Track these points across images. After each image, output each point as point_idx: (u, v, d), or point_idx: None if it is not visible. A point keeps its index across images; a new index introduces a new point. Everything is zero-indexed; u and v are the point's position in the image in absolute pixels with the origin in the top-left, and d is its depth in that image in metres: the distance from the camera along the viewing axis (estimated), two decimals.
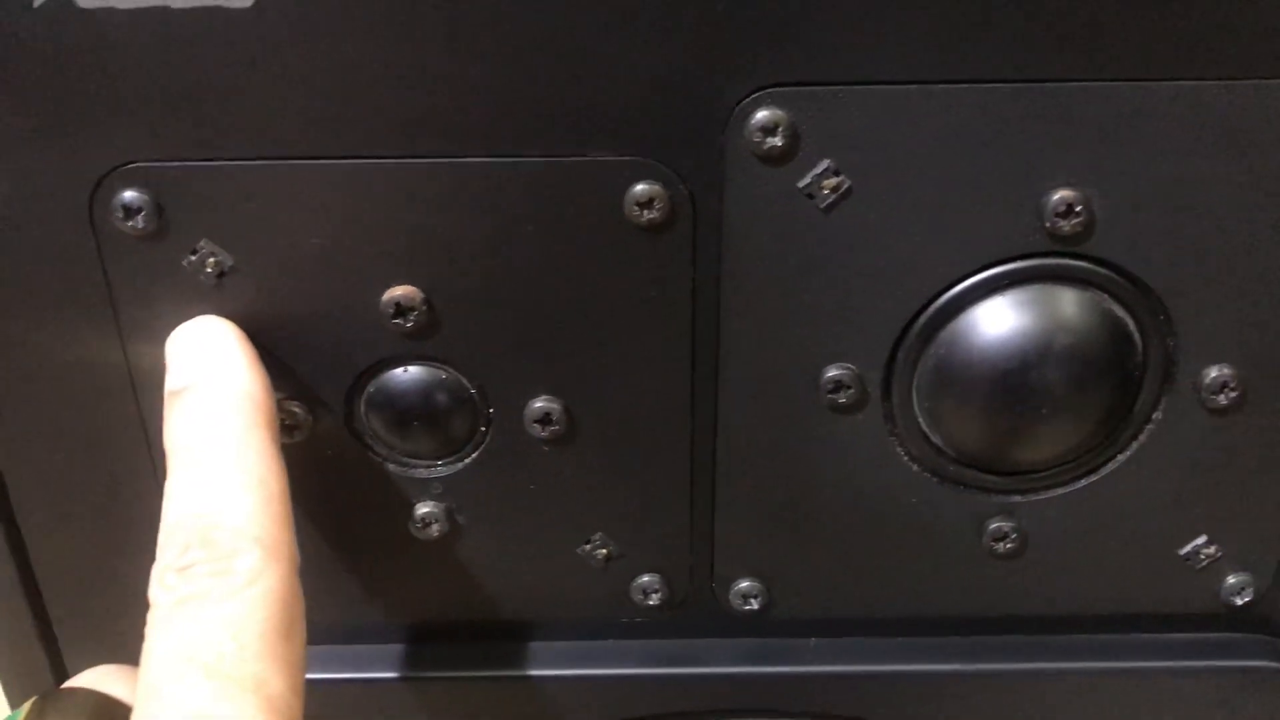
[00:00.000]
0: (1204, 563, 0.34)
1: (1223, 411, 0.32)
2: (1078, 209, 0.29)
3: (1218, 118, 0.28)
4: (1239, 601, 0.35)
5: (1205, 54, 0.27)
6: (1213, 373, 0.31)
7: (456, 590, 0.35)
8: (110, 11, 0.26)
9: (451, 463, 0.33)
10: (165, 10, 0.26)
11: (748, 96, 0.27)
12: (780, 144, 0.28)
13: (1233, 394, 0.31)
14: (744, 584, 0.35)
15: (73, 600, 0.35)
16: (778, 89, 0.27)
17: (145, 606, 0.26)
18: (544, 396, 0.31)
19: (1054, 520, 0.34)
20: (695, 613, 0.35)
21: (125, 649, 0.31)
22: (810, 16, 0.26)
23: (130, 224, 0.28)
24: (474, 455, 0.32)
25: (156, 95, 0.27)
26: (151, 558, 0.26)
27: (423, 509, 0.33)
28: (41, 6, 0.26)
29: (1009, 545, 0.34)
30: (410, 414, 0.31)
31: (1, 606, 0.34)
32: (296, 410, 0.31)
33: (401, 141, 0.28)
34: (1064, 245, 0.29)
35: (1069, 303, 0.30)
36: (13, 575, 0.34)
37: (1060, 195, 0.28)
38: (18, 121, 0.27)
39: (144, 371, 0.30)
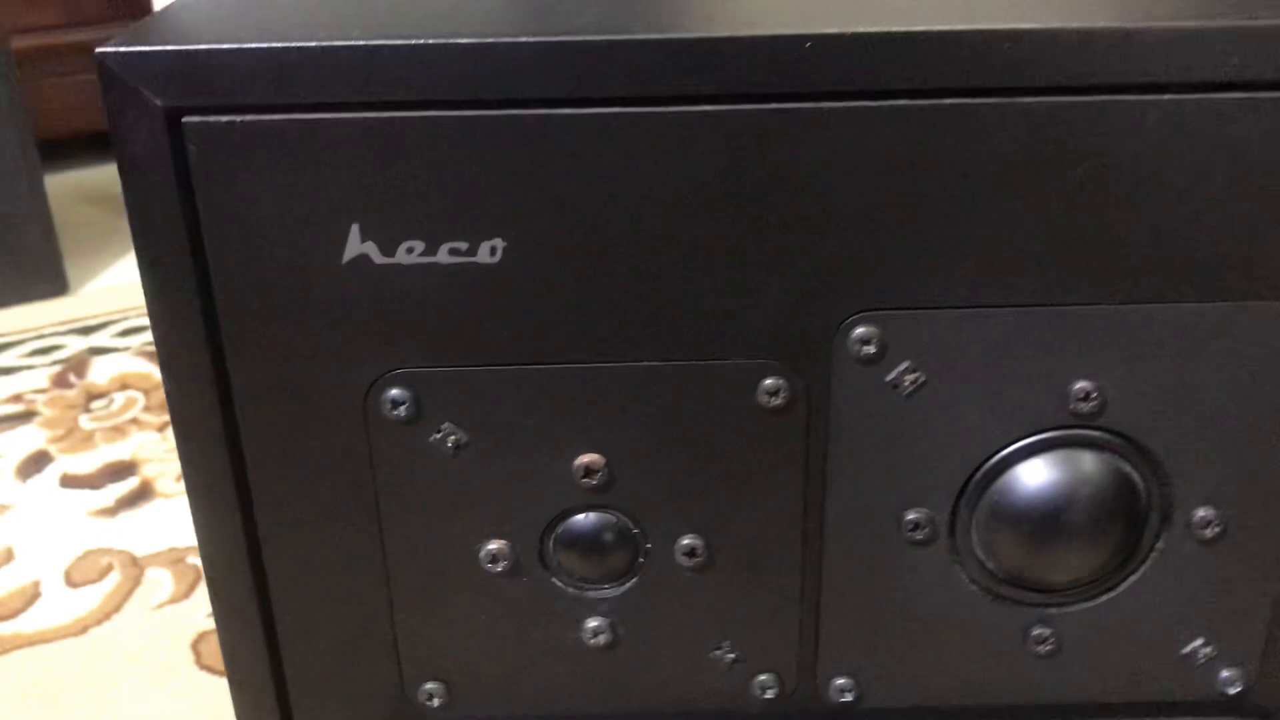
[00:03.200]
0: (1202, 660, 0.44)
1: (1210, 542, 0.41)
2: (1093, 395, 0.39)
3: (1200, 328, 0.38)
4: (1231, 691, 0.44)
5: (1185, 282, 0.38)
6: (1200, 512, 0.41)
7: (612, 690, 0.44)
8: (394, 266, 0.37)
9: (616, 586, 0.42)
10: (434, 265, 0.37)
11: (849, 317, 0.38)
12: (873, 351, 0.38)
13: (1217, 529, 0.41)
14: (840, 680, 0.44)
15: None
16: (870, 312, 0.38)
17: None
18: (690, 534, 0.41)
19: (1083, 627, 0.43)
20: (802, 705, 0.45)
21: None
22: (893, 264, 0.37)
23: (394, 413, 0.39)
24: (634, 581, 0.42)
25: (425, 321, 0.37)
26: None
27: (592, 623, 0.43)
28: (348, 262, 0.37)
29: (1048, 648, 0.43)
30: (588, 550, 0.41)
31: None
32: (503, 546, 0.41)
33: (593, 351, 0.38)
34: (1084, 420, 0.39)
35: (1089, 463, 0.40)
36: None
37: (1079, 385, 0.39)
38: (319, 339, 0.37)
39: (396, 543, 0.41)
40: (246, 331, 0.38)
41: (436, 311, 0.37)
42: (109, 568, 0.72)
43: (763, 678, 0.44)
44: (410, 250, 0.37)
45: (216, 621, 0.43)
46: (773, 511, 0.41)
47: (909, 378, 0.39)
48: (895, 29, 0.34)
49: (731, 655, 0.43)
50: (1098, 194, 0.36)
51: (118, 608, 0.68)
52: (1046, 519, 0.40)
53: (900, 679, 0.44)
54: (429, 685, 0.44)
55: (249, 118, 0.35)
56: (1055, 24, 0.35)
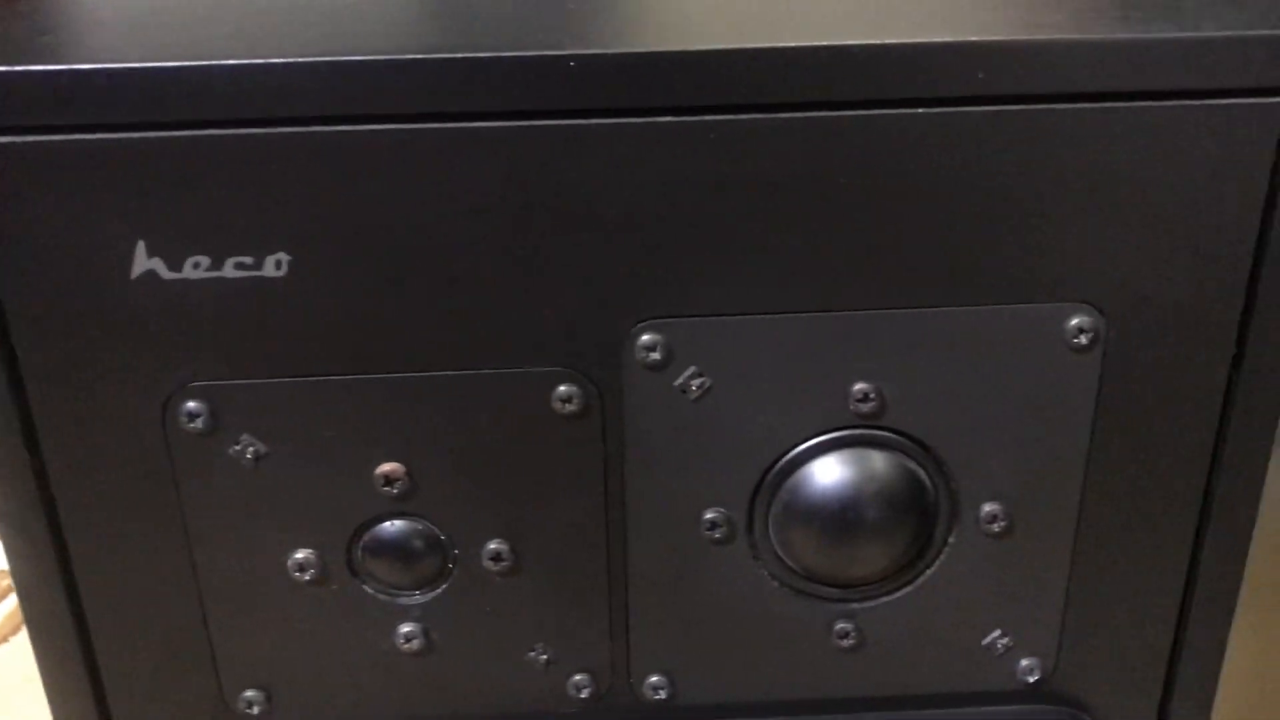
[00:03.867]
0: (1001, 651, 0.45)
1: (998, 536, 0.43)
2: (871, 396, 0.40)
3: (973, 330, 0.40)
4: (1031, 679, 0.46)
5: (957, 287, 0.39)
6: (987, 508, 0.43)
7: (430, 694, 0.45)
8: (182, 281, 0.38)
9: (426, 592, 0.43)
10: (220, 279, 0.38)
11: (636, 326, 0.39)
12: (659, 357, 0.39)
13: (1003, 523, 0.43)
14: (654, 678, 0.45)
15: None
16: (656, 320, 0.39)
17: None
18: (496, 540, 0.42)
19: (884, 621, 0.44)
20: (617, 703, 0.46)
21: None
22: (676, 274, 0.38)
23: (192, 425, 0.39)
24: (444, 586, 0.43)
25: (215, 335, 0.38)
26: None
27: (405, 629, 0.43)
28: (137, 278, 0.37)
29: (851, 641, 0.44)
30: (395, 557, 0.42)
31: None
32: (310, 555, 0.42)
33: (387, 362, 0.39)
34: (866, 421, 0.41)
35: (875, 461, 0.41)
36: None
37: (859, 386, 0.40)
38: (113, 355, 0.38)
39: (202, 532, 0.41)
40: (42, 351, 0.38)
41: (226, 325, 0.38)
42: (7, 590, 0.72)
43: (577, 678, 0.45)
44: (196, 265, 0.37)
45: (31, 639, 0.43)
46: (575, 515, 0.42)
47: (695, 382, 0.40)
48: (658, 49, 0.36)
49: (545, 657, 0.44)
50: (871, 204, 0.38)
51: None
52: (835, 516, 0.42)
53: (711, 675, 0.45)
54: (248, 693, 0.44)
55: (31, 139, 0.35)
56: (818, 41, 0.36)
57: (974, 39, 0.36)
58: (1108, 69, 0.37)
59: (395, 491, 0.41)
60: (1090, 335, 0.40)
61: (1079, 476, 0.42)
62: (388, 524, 0.42)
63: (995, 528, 0.43)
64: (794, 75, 0.36)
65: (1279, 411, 0.42)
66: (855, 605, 0.44)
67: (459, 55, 0.35)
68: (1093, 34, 0.37)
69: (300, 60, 0.35)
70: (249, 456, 0.40)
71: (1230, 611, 0.45)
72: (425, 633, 0.44)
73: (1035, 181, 0.38)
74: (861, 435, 0.41)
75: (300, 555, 0.42)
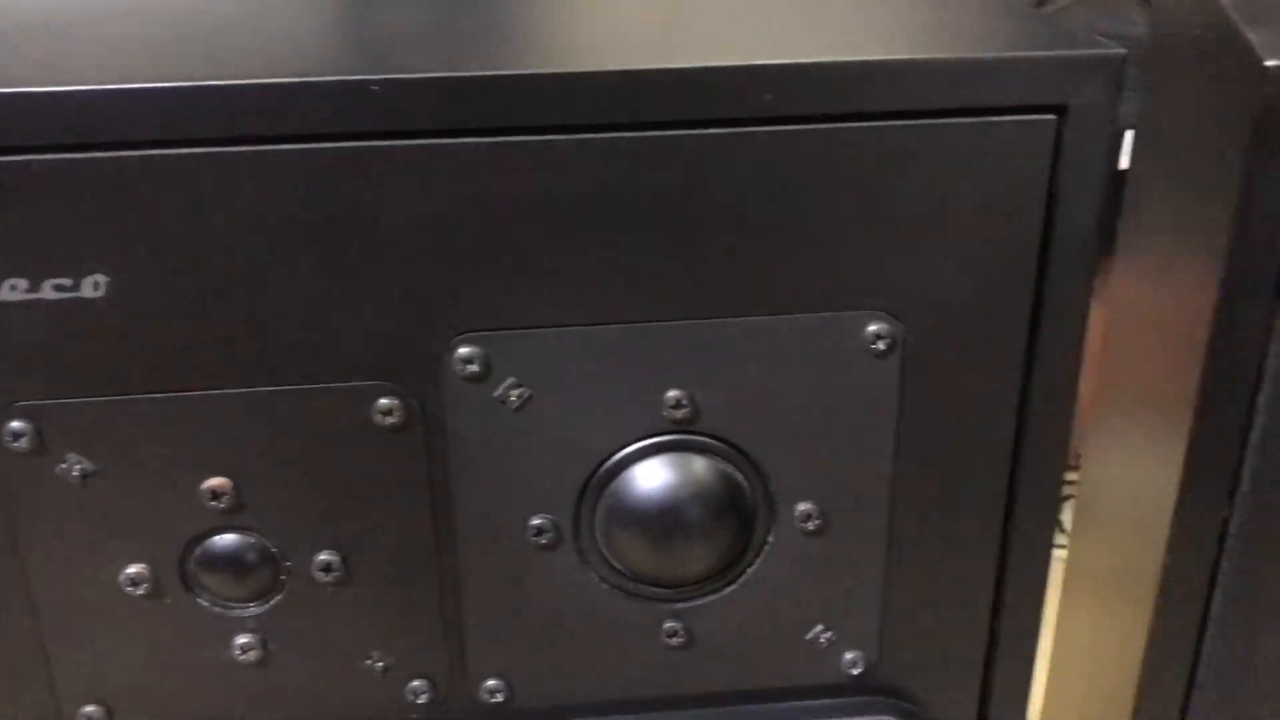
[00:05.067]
0: (824, 645, 0.47)
1: (815, 534, 0.45)
2: (684, 402, 0.42)
3: (780, 338, 0.42)
4: (854, 672, 0.48)
5: (762, 296, 0.41)
6: (802, 507, 0.44)
7: (269, 704, 0.46)
8: (2, 304, 0.38)
9: (261, 604, 0.44)
10: (38, 300, 0.38)
11: (453, 339, 0.41)
12: (478, 370, 0.41)
13: (818, 522, 0.45)
14: (491, 682, 0.46)
15: None
16: (473, 333, 0.41)
17: None
18: (326, 551, 0.43)
19: (711, 620, 0.46)
20: (456, 708, 0.47)
21: None
22: (491, 288, 0.40)
23: (16, 445, 0.40)
24: (278, 598, 0.44)
25: (37, 356, 0.39)
26: None
27: (241, 640, 0.44)
28: None
29: (679, 640, 0.46)
30: (227, 570, 0.43)
31: None
32: (143, 570, 0.43)
33: (209, 379, 0.40)
34: (680, 426, 0.43)
35: (692, 465, 0.43)
36: None
37: (671, 394, 0.42)
38: None
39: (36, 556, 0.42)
40: None
41: (48, 345, 0.39)
42: None
43: (415, 683, 0.46)
44: (14, 287, 0.38)
45: None
46: (403, 525, 0.43)
47: (515, 393, 0.41)
48: (463, 73, 0.37)
49: (382, 664, 0.45)
50: (675, 220, 0.40)
51: None
52: (656, 518, 0.43)
53: (548, 678, 0.47)
54: (88, 709, 0.45)
55: None
56: (614, 65, 0.38)
57: (761, 62, 0.38)
58: (890, 89, 0.39)
59: (223, 506, 0.42)
60: (888, 341, 0.42)
61: (887, 476, 0.44)
62: (218, 538, 0.43)
63: (810, 526, 0.45)
64: (591, 98, 0.38)
65: (1072, 409, 0.44)
66: (682, 605, 0.46)
67: (265, 81, 0.37)
68: (875, 56, 0.39)
69: (107, 87, 0.36)
70: (76, 475, 0.41)
71: (1040, 602, 0.47)
72: (262, 643, 0.45)
73: (829, 196, 0.40)
74: (677, 441, 0.43)
75: (133, 570, 0.43)
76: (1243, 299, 0.40)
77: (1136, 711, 0.48)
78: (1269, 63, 0.37)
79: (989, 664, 0.49)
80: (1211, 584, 0.45)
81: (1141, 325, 0.55)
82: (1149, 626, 0.47)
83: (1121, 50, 0.39)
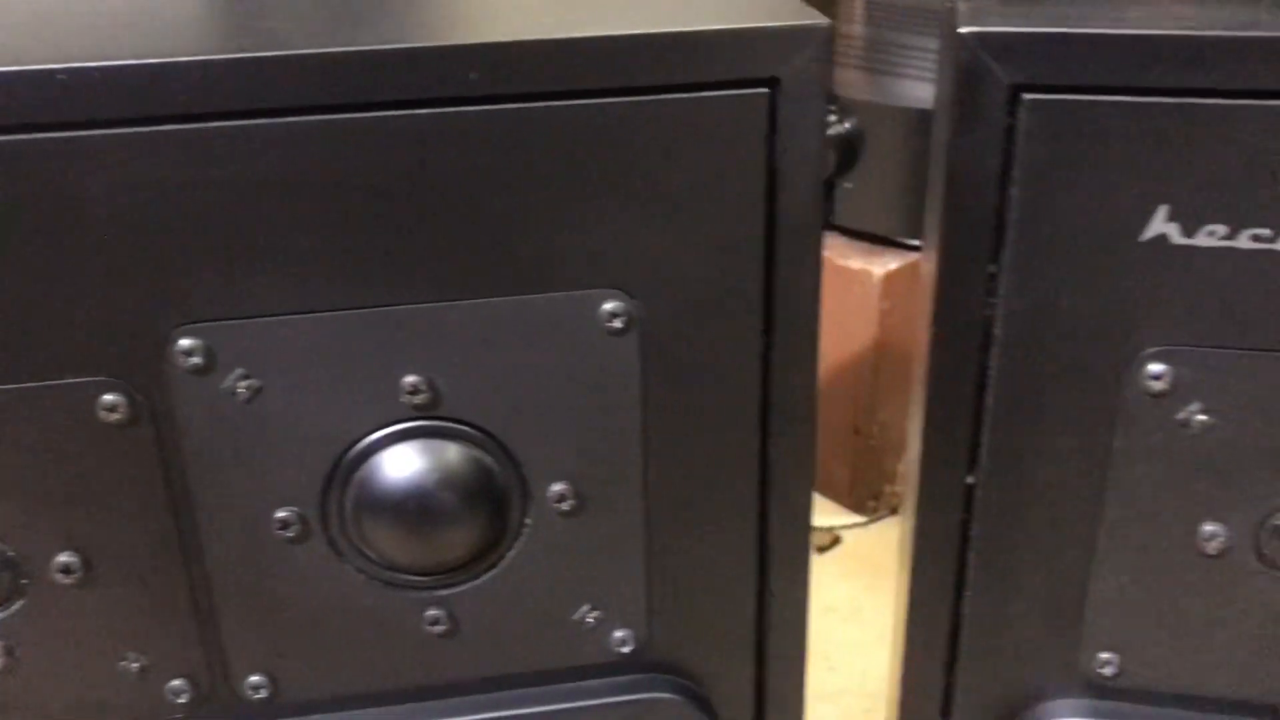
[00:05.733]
0: (592, 624, 0.47)
1: (571, 514, 0.45)
2: (422, 388, 0.42)
3: (512, 320, 0.42)
4: (625, 650, 0.48)
5: (496, 278, 0.41)
6: (555, 488, 0.44)
7: (24, 712, 0.45)
8: None
9: (3, 610, 0.43)
10: None
11: (174, 330, 0.40)
12: (201, 362, 0.40)
13: (573, 502, 0.45)
14: (254, 678, 0.46)
15: None
16: (194, 324, 0.40)
17: None
18: (65, 553, 0.42)
19: (475, 605, 0.46)
20: (221, 706, 0.46)
21: None
22: (210, 277, 0.39)
23: None
24: (21, 603, 0.43)
25: None
26: None
27: None
28: None
29: (443, 628, 0.46)
30: None
31: None
32: None
33: None
34: (423, 411, 0.42)
35: (438, 450, 0.43)
36: None
37: (408, 379, 0.42)
38: None
39: None
40: None
41: None
42: None
43: (175, 683, 0.45)
44: None
45: None
46: (143, 523, 0.42)
47: (243, 385, 0.41)
48: (153, 60, 0.37)
49: (138, 665, 0.45)
50: (402, 202, 0.39)
51: None
52: (403, 506, 0.43)
53: (312, 671, 0.46)
54: None
55: None
56: (309, 48, 0.37)
57: (463, 41, 0.38)
58: (599, 66, 0.39)
59: None
60: (624, 319, 0.42)
61: (639, 453, 0.44)
62: None
63: (566, 507, 0.45)
64: (300, 80, 0.37)
65: (814, 378, 0.45)
66: (444, 592, 0.46)
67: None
68: (581, 33, 0.39)
69: None
70: None
71: (804, 569, 0.48)
72: (9, 650, 0.44)
73: (551, 175, 0.40)
74: (421, 427, 0.43)
75: None
76: (959, 264, 0.41)
77: (905, 673, 0.49)
78: (962, 30, 0.38)
79: (761, 634, 0.49)
80: (964, 547, 0.46)
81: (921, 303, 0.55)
82: (908, 590, 0.47)
83: (827, 20, 0.39)
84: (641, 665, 0.49)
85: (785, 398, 0.44)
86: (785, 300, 0.43)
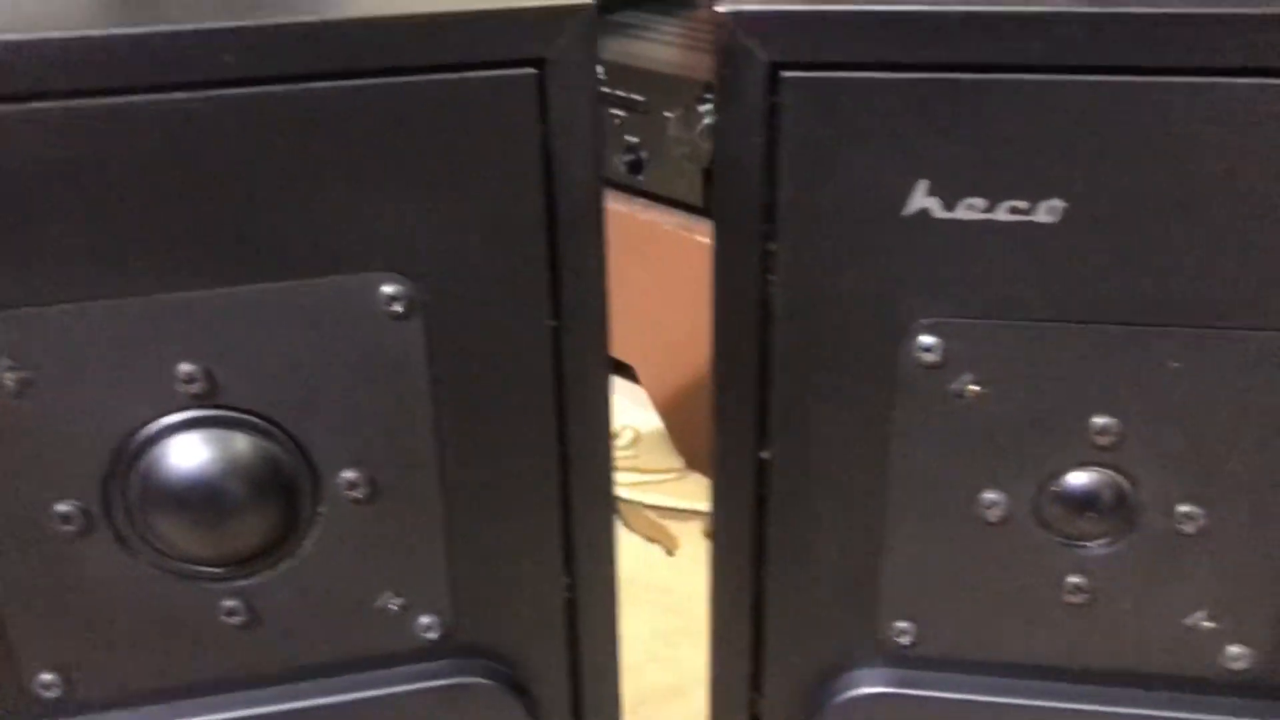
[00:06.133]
0: (396, 611, 0.47)
1: (365, 502, 0.45)
2: (197, 376, 0.41)
3: (289, 305, 0.41)
4: (431, 636, 0.48)
5: (263, 265, 0.40)
6: (346, 475, 0.44)
7: None
8: None
9: None
10: None
11: None
12: None
13: (366, 489, 0.44)
14: (45, 676, 0.45)
15: None
16: None
17: None
18: None
19: (274, 595, 0.46)
20: (12, 706, 0.45)
21: None
22: None
23: None
24: None
25: None
26: None
27: None
28: None
29: (241, 619, 0.45)
30: None
31: None
32: None
33: None
34: (201, 401, 0.42)
35: (220, 440, 0.42)
36: None
37: (184, 368, 0.41)
38: None
39: None
40: None
41: None
42: None
43: None
44: None
45: None
46: None
47: (9, 376, 0.40)
48: None
49: None
50: (168, 188, 0.39)
51: None
52: (186, 497, 0.42)
53: (107, 667, 0.45)
54: None
55: None
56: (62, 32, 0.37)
57: (217, 25, 0.37)
58: (362, 47, 0.38)
59: None
60: (405, 303, 0.42)
61: (432, 438, 0.44)
62: None
63: (359, 494, 0.44)
64: (66, 65, 0.37)
65: (607, 358, 0.45)
66: (240, 583, 0.45)
67: None
68: (347, 14, 0.38)
69: None
70: None
71: (610, 547, 0.48)
72: None
73: (321, 158, 0.40)
74: (201, 417, 0.42)
75: None
76: (736, 244, 0.41)
77: (714, 650, 0.49)
78: (721, 9, 0.38)
79: (572, 614, 0.49)
80: (762, 523, 0.46)
81: None
82: (711, 568, 0.48)
83: (590, 1, 0.39)
84: (451, 650, 0.48)
85: (579, 379, 0.45)
86: (571, 280, 0.43)
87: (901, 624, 0.46)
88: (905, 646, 0.47)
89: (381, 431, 0.44)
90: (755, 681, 0.50)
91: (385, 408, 0.43)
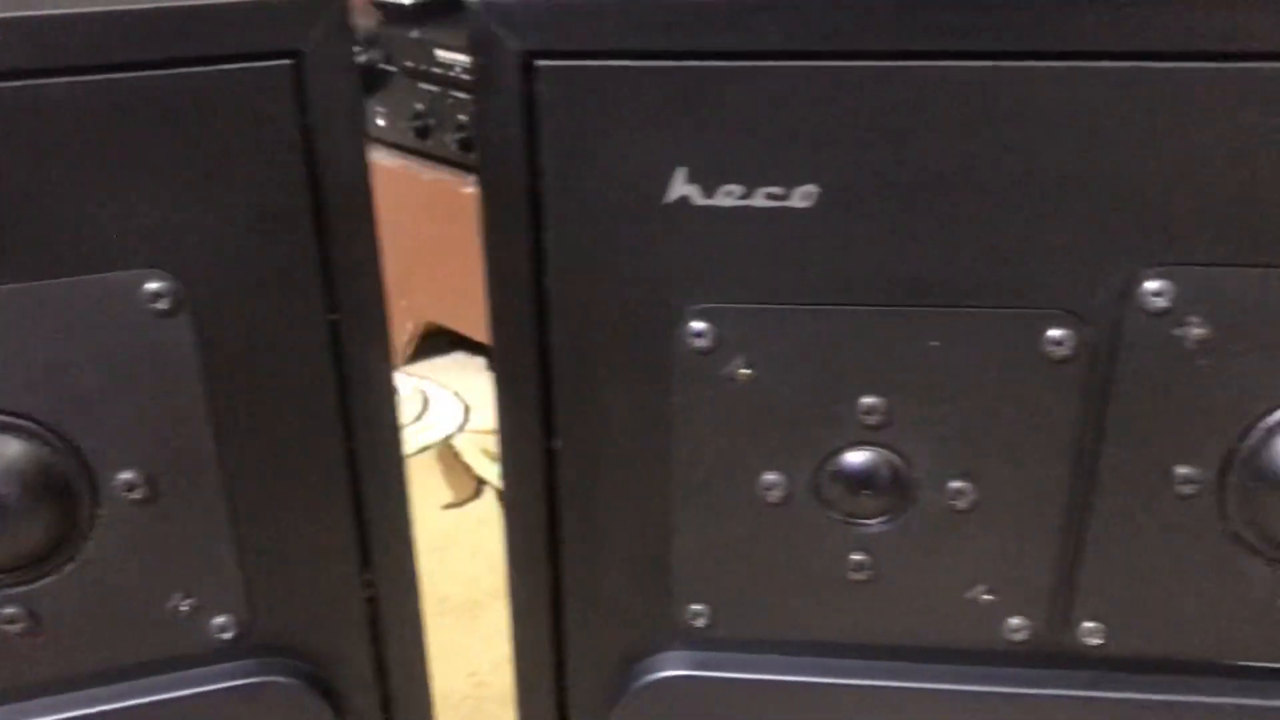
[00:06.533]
0: (187, 612, 0.46)
1: (144, 502, 0.44)
2: None
3: (45, 306, 0.40)
4: (226, 636, 0.47)
5: (17, 265, 0.40)
6: (123, 476, 0.43)
7: None
8: None
9: None
10: None
11: None
12: None
13: (144, 489, 0.44)
14: None
15: None
16: None
17: None
18: None
19: (57, 601, 0.45)
20: None
21: None
22: None
23: None
24: None
25: None
26: None
27: None
28: None
29: (22, 626, 0.44)
30: None
31: None
32: None
33: None
34: None
35: None
36: None
37: None
38: None
39: None
40: None
41: None
42: None
43: None
44: None
45: None
46: None
47: None
48: None
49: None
50: None
51: None
52: None
53: None
54: None
55: None
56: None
57: None
58: (121, 40, 0.38)
59: None
60: (170, 300, 0.41)
61: (210, 436, 0.44)
62: None
63: (137, 495, 0.44)
64: None
65: (387, 348, 0.45)
66: (19, 589, 0.44)
67: None
68: (99, 7, 0.38)
69: None
70: None
71: (407, 539, 0.48)
72: None
73: (80, 153, 0.39)
74: None
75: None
76: (505, 234, 0.41)
77: (517, 639, 0.49)
78: None
79: (374, 612, 0.49)
80: (554, 512, 0.46)
81: None
82: (508, 557, 0.48)
83: None
84: (250, 650, 0.48)
85: (360, 369, 0.44)
86: (343, 271, 0.43)
87: (696, 607, 0.47)
88: (701, 629, 0.47)
89: (157, 431, 0.43)
90: (559, 670, 0.50)
91: (159, 407, 0.43)
